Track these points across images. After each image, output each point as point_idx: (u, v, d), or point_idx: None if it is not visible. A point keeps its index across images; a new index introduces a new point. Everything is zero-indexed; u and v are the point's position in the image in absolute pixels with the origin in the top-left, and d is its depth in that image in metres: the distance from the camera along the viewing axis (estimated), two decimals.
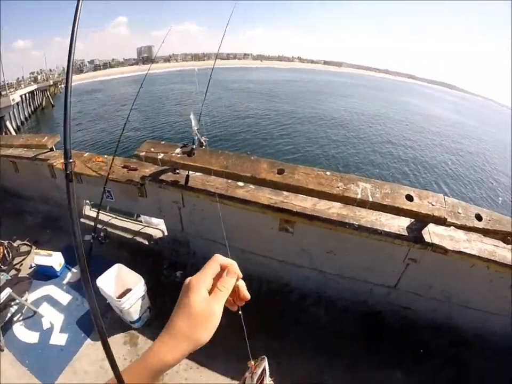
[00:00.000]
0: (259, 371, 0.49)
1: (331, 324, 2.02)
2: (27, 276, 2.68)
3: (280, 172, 1.65)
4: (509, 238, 1.72)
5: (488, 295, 2.00)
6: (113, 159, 2.37)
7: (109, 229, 2.73)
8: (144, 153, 2.04)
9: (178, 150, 1.96)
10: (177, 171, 2.08)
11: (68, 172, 1.19)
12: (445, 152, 19.45)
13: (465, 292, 2.00)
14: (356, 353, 1.97)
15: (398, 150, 17.67)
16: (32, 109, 26.49)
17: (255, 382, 0.48)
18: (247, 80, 46.51)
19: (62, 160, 2.51)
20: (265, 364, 0.51)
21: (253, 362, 0.51)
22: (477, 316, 2.11)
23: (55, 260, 2.71)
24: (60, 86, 35.94)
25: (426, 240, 1.72)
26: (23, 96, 24.29)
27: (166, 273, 2.35)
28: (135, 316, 2.18)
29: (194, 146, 1.90)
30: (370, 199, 1.59)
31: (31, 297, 2.55)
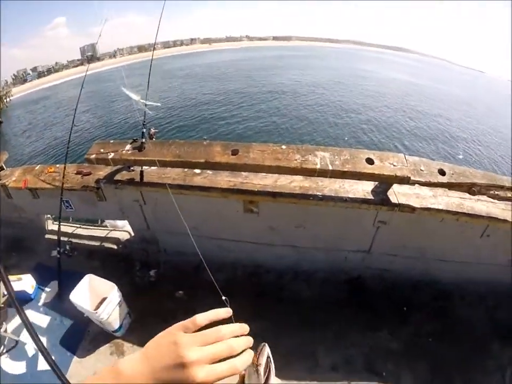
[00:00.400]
0: (263, 360, 0.42)
1: (313, 297, 2.02)
2: (1, 305, 2.55)
3: (235, 152, 1.57)
4: (473, 189, 1.73)
5: (461, 245, 2.05)
6: (64, 167, 2.21)
7: (75, 240, 2.60)
8: (94, 155, 1.91)
9: (128, 147, 1.83)
10: (132, 168, 1.96)
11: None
12: (400, 113, 19.61)
13: (438, 246, 2.03)
14: (342, 320, 1.99)
15: (354, 118, 17.53)
16: None
17: (262, 373, 0.41)
18: (196, 65, 44.59)
19: (14, 178, 2.32)
20: (267, 350, 0.44)
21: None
22: (453, 267, 2.17)
23: (27, 283, 2.57)
24: (5, 100, 33.57)
25: (392, 201, 1.71)
26: None
27: (140, 275, 2.28)
28: (116, 325, 2.11)
29: (144, 140, 1.78)
30: (330, 168, 1.54)
31: (10, 326, 2.42)
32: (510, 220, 1.81)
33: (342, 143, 13.35)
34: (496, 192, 1.81)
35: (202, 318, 0.42)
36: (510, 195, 1.80)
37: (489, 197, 1.84)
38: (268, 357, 0.43)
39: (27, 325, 1.14)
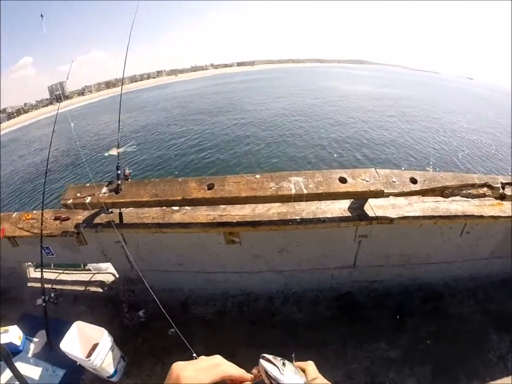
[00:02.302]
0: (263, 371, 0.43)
1: (305, 318, 2.02)
2: None
3: (210, 187, 1.58)
4: (446, 192, 1.79)
5: (443, 247, 2.10)
6: (42, 214, 2.16)
7: (59, 286, 2.52)
8: (71, 200, 1.88)
9: (105, 189, 1.81)
10: (110, 210, 1.93)
11: None
12: (364, 125, 19.61)
13: (421, 250, 2.08)
14: (339, 337, 1.99)
15: (323, 137, 17.18)
16: None
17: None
18: (164, 99, 44.54)
19: None
20: (263, 363, 0.44)
21: (254, 371, 0.45)
22: (439, 268, 2.22)
23: (13, 334, 2.46)
24: None
25: (370, 215, 1.75)
26: None
27: (129, 316, 2.22)
28: (111, 370, 2.05)
29: (119, 182, 1.77)
30: (305, 192, 1.57)
31: (1, 381, 2.31)
32: (486, 215, 1.88)
33: (308, 164, 13.10)
34: (468, 191, 1.87)
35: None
36: (481, 192, 1.87)
37: (463, 196, 1.90)
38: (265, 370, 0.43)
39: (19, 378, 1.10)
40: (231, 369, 0.43)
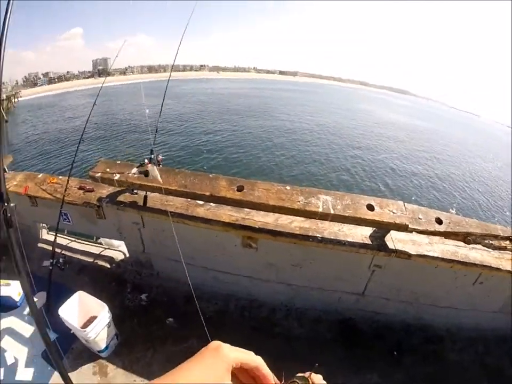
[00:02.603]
0: None
1: (305, 334, 2.00)
2: None
3: (240, 189, 1.60)
4: (469, 238, 1.77)
5: (454, 292, 2.07)
6: (68, 181, 2.21)
7: (68, 253, 2.56)
8: (99, 174, 1.92)
9: (135, 170, 1.85)
10: (135, 191, 1.97)
11: (7, 217, 1.08)
12: (397, 157, 19.52)
13: (432, 291, 2.05)
14: (333, 360, 1.97)
15: (359, 161, 17.26)
16: None
17: None
18: (202, 93, 45.40)
19: (16, 183, 2.31)
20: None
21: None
22: (445, 312, 2.18)
23: (14, 289, 2.51)
24: (14, 100, 34.01)
25: (389, 247, 1.74)
26: None
27: (131, 297, 2.24)
28: (102, 345, 2.07)
29: (151, 166, 1.80)
30: (332, 212, 1.57)
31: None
32: (504, 269, 1.84)
33: (329, 183, 13.22)
34: (490, 242, 1.84)
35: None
36: (504, 244, 1.83)
37: (484, 246, 1.87)
38: None
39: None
40: (264, 366, 0.44)
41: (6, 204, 0.74)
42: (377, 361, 2.00)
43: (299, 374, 0.47)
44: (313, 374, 0.47)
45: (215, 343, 0.42)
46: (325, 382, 0.48)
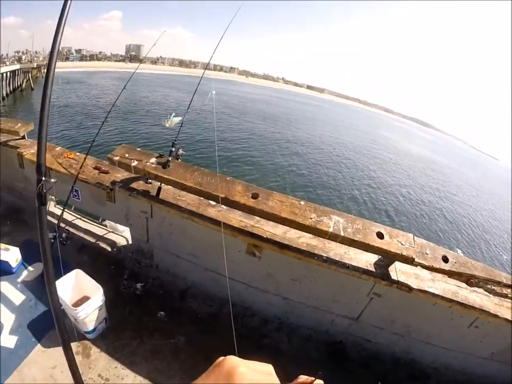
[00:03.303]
0: None
1: (292, 351, 1.99)
2: None
3: (255, 196, 1.61)
4: (472, 280, 1.76)
5: (448, 332, 2.05)
6: (85, 159, 2.24)
7: (71, 230, 2.58)
8: (118, 157, 1.94)
9: (153, 160, 1.87)
10: (150, 181, 1.98)
11: (42, 193, 1.03)
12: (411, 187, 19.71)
13: (426, 328, 2.04)
14: None
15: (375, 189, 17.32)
16: (11, 89, 25.85)
17: None
18: (227, 94, 45.22)
19: (33, 151, 2.35)
20: None
21: None
22: (436, 351, 2.16)
23: (12, 255, 2.53)
24: (43, 70, 34.83)
25: (392, 277, 1.73)
26: (4, 74, 23.63)
27: (126, 284, 2.24)
28: (90, 327, 2.07)
29: (170, 158, 1.82)
30: (342, 234, 1.57)
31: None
32: (501, 316, 1.83)
33: (335, 205, 13.25)
34: (493, 287, 1.84)
35: None
36: (505, 292, 1.82)
37: (486, 290, 1.86)
38: None
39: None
40: None
41: (43, 178, 0.70)
42: None
43: (302, 377, 0.46)
44: (317, 380, 0.45)
45: (227, 366, 0.37)
46: None
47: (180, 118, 2.00)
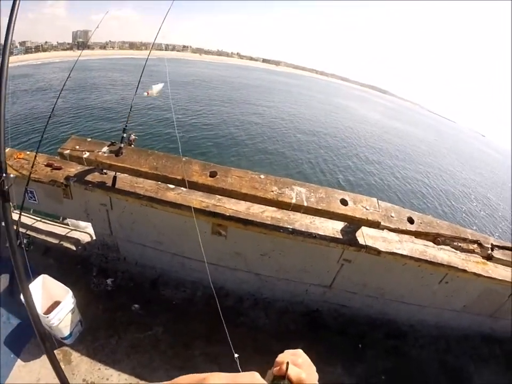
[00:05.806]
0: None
1: (270, 325, 2.01)
2: None
3: (213, 174, 1.55)
4: (438, 239, 1.81)
5: (419, 290, 2.13)
6: (35, 157, 2.09)
7: (33, 234, 2.44)
8: (68, 151, 1.81)
9: (105, 149, 1.76)
10: (105, 171, 1.88)
11: (4, 189, 0.93)
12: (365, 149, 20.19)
13: (398, 288, 2.10)
14: None
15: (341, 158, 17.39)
16: None
17: None
18: (182, 74, 43.11)
19: None
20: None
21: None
22: (410, 309, 2.25)
23: None
24: None
25: (360, 242, 1.75)
26: None
27: (96, 281, 2.17)
28: (66, 332, 1.99)
29: (122, 145, 1.72)
30: (305, 204, 1.55)
31: None
32: (469, 270, 1.91)
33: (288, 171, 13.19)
34: (459, 244, 1.90)
35: None
36: (471, 247, 1.89)
37: (452, 247, 1.93)
38: None
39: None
40: None
41: (4, 175, 0.63)
42: (341, 354, 2.04)
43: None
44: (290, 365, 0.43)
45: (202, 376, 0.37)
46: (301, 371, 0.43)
47: (162, 85, 1.88)
